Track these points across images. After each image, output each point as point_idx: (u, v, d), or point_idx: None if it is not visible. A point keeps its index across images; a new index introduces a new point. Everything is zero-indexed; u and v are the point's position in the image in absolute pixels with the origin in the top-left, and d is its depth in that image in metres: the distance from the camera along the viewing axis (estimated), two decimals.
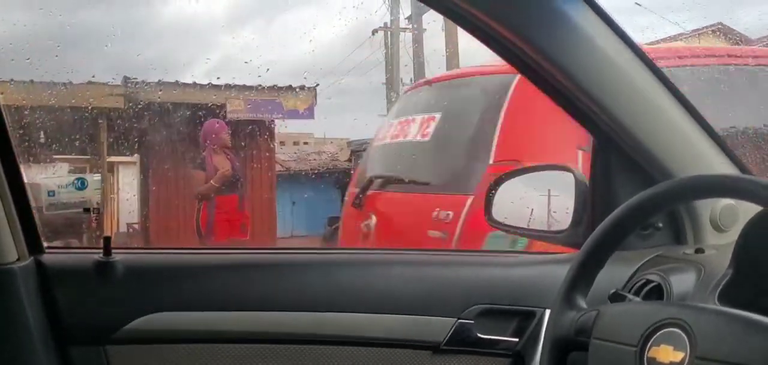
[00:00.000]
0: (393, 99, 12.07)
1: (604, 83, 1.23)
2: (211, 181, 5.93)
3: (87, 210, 7.73)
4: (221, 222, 5.90)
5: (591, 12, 1.19)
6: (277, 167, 11.83)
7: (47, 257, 1.26)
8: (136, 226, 9.08)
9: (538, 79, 1.26)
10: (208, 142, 6.07)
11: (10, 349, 1.18)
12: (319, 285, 1.31)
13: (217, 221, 5.91)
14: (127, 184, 9.87)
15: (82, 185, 7.97)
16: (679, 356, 0.84)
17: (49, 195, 7.63)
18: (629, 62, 1.22)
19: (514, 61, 1.25)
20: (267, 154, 9.71)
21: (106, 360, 1.23)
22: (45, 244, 1.29)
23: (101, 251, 1.25)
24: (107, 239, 1.26)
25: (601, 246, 1.04)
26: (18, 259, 1.20)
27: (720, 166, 1.29)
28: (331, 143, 16.43)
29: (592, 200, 1.39)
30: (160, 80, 8.70)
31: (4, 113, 1.18)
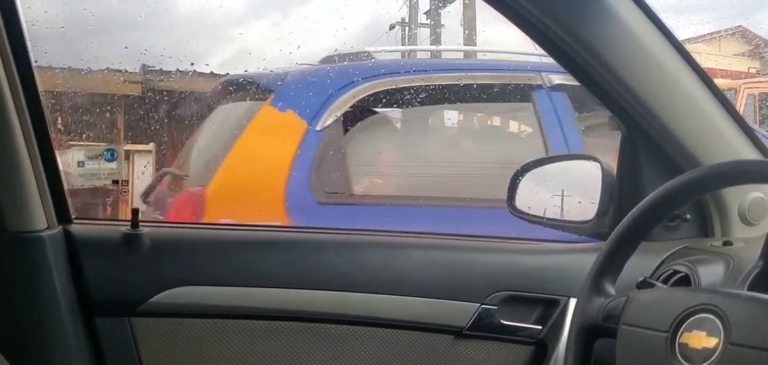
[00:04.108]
0: None
1: (636, 70, 1.22)
2: None
3: (116, 182, 7.80)
4: None
5: None
6: None
7: (75, 228, 1.27)
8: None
9: (570, 64, 1.25)
10: None
11: (37, 316, 1.19)
12: (342, 264, 1.31)
13: None
14: (143, 172, 9.91)
15: (112, 156, 8.04)
16: (712, 342, 0.83)
17: (78, 165, 7.71)
18: (662, 49, 1.21)
19: (548, 46, 1.24)
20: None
21: (131, 332, 1.24)
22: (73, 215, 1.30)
23: (129, 223, 1.26)
24: (135, 212, 1.27)
25: (632, 233, 1.03)
26: (47, 227, 1.21)
27: (749, 156, 1.28)
28: None
29: (619, 189, 1.38)
30: (177, 69, 8.74)
31: (39, 88, 1.20)
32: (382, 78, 3.20)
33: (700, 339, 0.85)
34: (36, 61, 1.17)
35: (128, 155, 9.91)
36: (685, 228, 1.34)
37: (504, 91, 3.42)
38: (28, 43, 1.16)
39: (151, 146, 10.12)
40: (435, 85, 3.32)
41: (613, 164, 1.40)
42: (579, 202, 1.51)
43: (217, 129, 3.53)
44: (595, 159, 1.46)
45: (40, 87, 1.18)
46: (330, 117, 3.01)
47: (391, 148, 3.52)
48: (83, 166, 7.74)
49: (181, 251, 1.28)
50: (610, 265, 1.03)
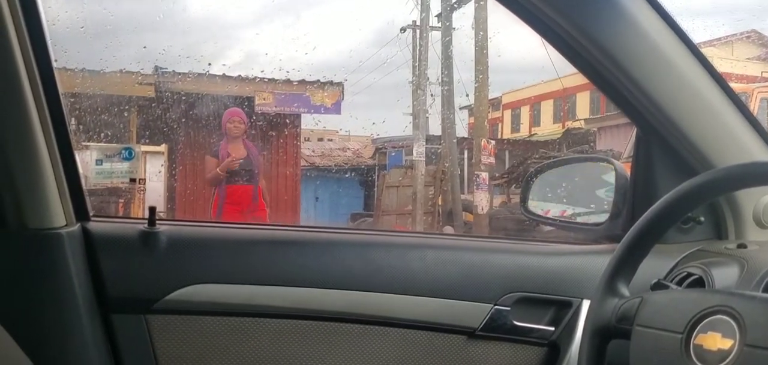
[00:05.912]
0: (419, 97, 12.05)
1: (651, 71, 1.22)
2: (217, 168, 5.80)
3: (133, 180, 7.89)
4: (232, 213, 5.73)
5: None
6: (302, 162, 11.90)
7: (93, 225, 1.28)
8: (163, 215, 9.18)
9: (584, 65, 1.25)
10: (224, 129, 6.01)
11: (54, 312, 1.20)
12: (356, 264, 1.31)
13: (227, 212, 5.75)
14: (155, 173, 9.98)
15: (129, 155, 8.14)
16: (727, 343, 0.83)
17: (96, 164, 7.81)
18: (676, 51, 1.21)
19: (562, 47, 1.24)
20: (294, 145, 9.78)
21: (147, 329, 1.25)
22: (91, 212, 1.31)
23: (146, 221, 1.27)
24: (152, 210, 1.28)
25: (646, 235, 1.03)
26: (65, 224, 1.22)
27: (763, 158, 1.27)
28: (365, 142, 16.50)
29: (633, 191, 1.38)
30: (190, 71, 8.81)
31: (58, 87, 1.21)
32: None
33: (715, 341, 0.84)
34: (56, 60, 1.19)
35: (141, 156, 9.98)
36: (699, 231, 1.33)
37: None
38: (49, 43, 1.17)
39: (163, 148, 10.20)
40: None
41: None
42: (591, 204, 1.51)
43: None
44: (608, 161, 1.46)
45: (61, 87, 1.20)
46: None
47: None
48: (101, 164, 7.85)
49: (197, 250, 1.29)
50: (624, 267, 1.03)
